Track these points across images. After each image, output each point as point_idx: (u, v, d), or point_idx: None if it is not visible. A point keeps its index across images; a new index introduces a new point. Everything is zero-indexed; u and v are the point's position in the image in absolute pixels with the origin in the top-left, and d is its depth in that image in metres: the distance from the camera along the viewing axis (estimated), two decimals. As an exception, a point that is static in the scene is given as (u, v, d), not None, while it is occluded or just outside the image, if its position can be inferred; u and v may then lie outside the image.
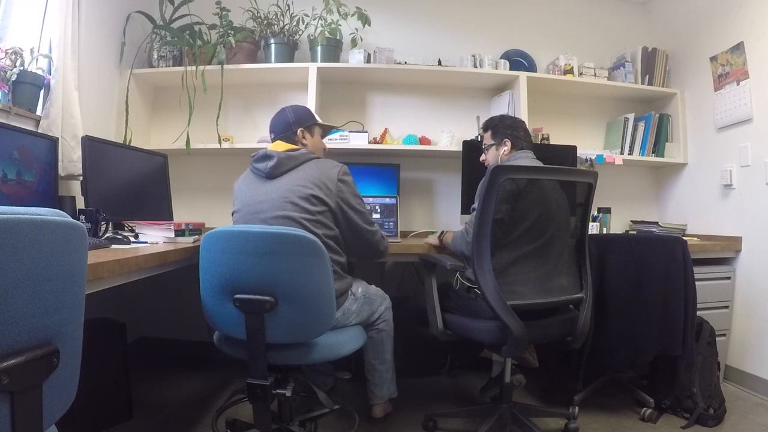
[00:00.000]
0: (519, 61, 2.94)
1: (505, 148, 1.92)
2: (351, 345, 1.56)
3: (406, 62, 2.74)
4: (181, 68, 2.54)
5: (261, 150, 1.68)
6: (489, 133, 1.99)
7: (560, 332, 1.67)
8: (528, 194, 1.56)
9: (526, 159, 1.85)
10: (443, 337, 1.72)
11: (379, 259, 1.81)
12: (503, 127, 1.95)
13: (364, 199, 2.42)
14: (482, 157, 2.04)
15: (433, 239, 2.05)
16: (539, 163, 1.81)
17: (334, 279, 1.47)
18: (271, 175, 1.60)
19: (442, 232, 2.04)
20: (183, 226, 1.84)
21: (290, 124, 1.73)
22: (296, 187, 1.56)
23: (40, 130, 1.88)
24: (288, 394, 1.41)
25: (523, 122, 2.01)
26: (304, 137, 1.75)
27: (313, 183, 1.56)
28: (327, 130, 1.90)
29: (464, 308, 1.71)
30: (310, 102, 2.55)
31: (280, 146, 1.67)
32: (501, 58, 2.88)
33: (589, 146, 2.91)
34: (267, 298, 1.31)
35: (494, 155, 1.95)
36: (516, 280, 1.55)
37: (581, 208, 1.70)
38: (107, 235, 1.67)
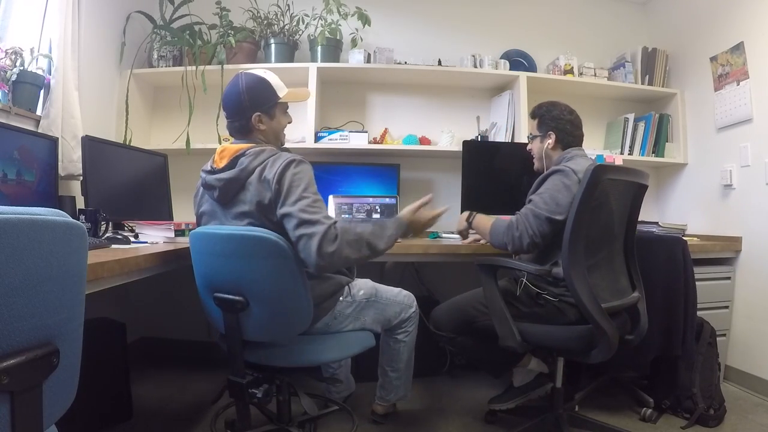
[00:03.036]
0: (519, 61, 2.94)
1: (549, 141, 1.78)
2: (339, 352, 1.52)
3: (406, 62, 2.74)
4: (181, 68, 2.54)
5: (206, 173, 1.45)
6: (536, 122, 1.84)
7: (621, 332, 1.62)
8: (605, 196, 1.50)
9: (585, 159, 1.71)
10: (522, 348, 1.58)
11: (314, 269, 1.33)
12: (549, 119, 1.80)
13: (363, 200, 2.46)
14: (529, 146, 1.91)
15: (460, 223, 1.92)
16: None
17: (318, 281, 1.44)
18: (221, 203, 1.43)
19: (471, 213, 1.90)
20: (183, 226, 1.84)
21: (243, 109, 1.44)
22: (238, 221, 1.39)
23: (40, 130, 1.88)
24: (259, 395, 1.38)
25: (573, 113, 1.82)
26: (260, 122, 1.46)
27: (257, 211, 1.35)
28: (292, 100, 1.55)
29: (532, 315, 1.61)
30: (310, 102, 2.55)
31: (227, 153, 1.41)
32: (501, 58, 2.88)
33: (589, 146, 2.85)
34: (238, 298, 1.31)
35: (539, 148, 1.82)
36: (596, 283, 1.48)
37: (634, 209, 1.67)
38: (107, 235, 1.67)
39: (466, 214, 1.95)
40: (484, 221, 1.86)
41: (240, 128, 1.47)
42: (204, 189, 1.49)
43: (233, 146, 1.43)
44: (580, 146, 1.81)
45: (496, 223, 1.75)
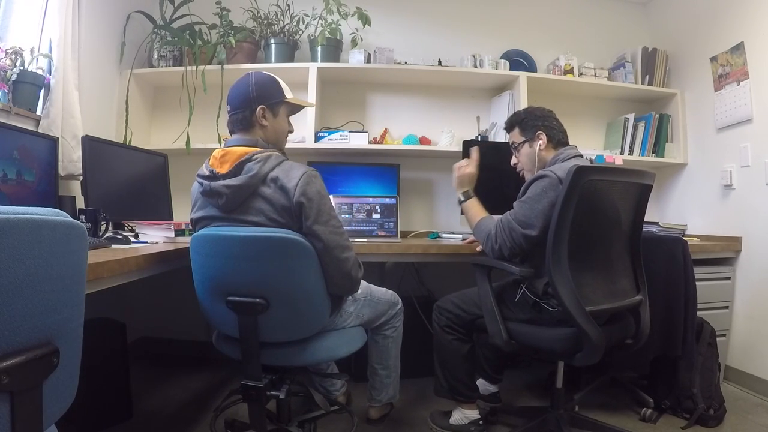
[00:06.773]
0: (519, 61, 2.94)
1: (541, 141, 1.70)
2: (348, 347, 1.54)
3: (406, 62, 2.74)
4: (181, 68, 2.54)
5: (206, 181, 1.37)
6: (516, 130, 1.76)
7: (621, 336, 1.62)
8: (600, 196, 1.47)
9: (578, 159, 1.65)
10: (508, 347, 1.59)
11: (350, 292, 1.51)
12: (533, 119, 1.72)
13: (363, 200, 2.47)
14: (513, 161, 1.82)
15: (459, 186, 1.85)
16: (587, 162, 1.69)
17: None
18: (226, 210, 1.37)
19: (467, 192, 1.82)
20: (183, 226, 1.84)
21: (250, 100, 1.42)
22: (253, 227, 1.34)
23: (40, 130, 1.88)
24: (282, 396, 1.40)
25: (552, 113, 1.76)
26: (264, 117, 1.43)
27: (269, 218, 1.33)
28: (296, 108, 1.56)
29: (532, 321, 1.60)
30: (311, 102, 2.55)
31: (230, 157, 1.35)
32: (501, 58, 2.88)
33: (589, 146, 2.91)
34: (258, 300, 1.30)
35: (529, 153, 1.73)
36: (586, 284, 1.46)
37: (639, 209, 1.63)
38: (107, 235, 1.66)
39: (464, 191, 1.86)
40: (473, 211, 1.80)
41: (242, 120, 1.43)
42: (204, 196, 1.39)
43: (237, 150, 1.36)
44: (569, 145, 1.74)
45: (482, 223, 1.73)
